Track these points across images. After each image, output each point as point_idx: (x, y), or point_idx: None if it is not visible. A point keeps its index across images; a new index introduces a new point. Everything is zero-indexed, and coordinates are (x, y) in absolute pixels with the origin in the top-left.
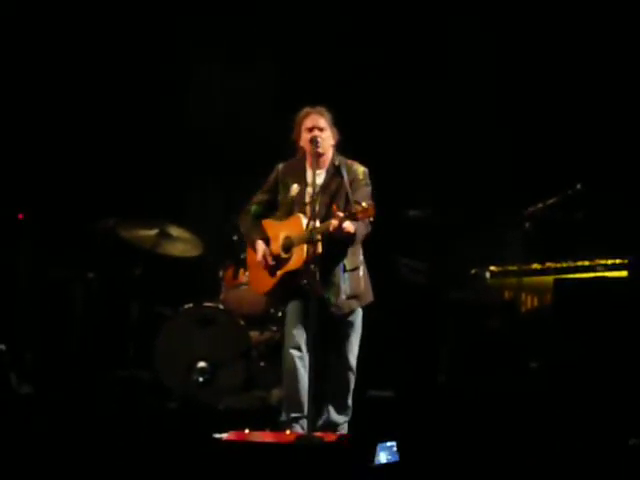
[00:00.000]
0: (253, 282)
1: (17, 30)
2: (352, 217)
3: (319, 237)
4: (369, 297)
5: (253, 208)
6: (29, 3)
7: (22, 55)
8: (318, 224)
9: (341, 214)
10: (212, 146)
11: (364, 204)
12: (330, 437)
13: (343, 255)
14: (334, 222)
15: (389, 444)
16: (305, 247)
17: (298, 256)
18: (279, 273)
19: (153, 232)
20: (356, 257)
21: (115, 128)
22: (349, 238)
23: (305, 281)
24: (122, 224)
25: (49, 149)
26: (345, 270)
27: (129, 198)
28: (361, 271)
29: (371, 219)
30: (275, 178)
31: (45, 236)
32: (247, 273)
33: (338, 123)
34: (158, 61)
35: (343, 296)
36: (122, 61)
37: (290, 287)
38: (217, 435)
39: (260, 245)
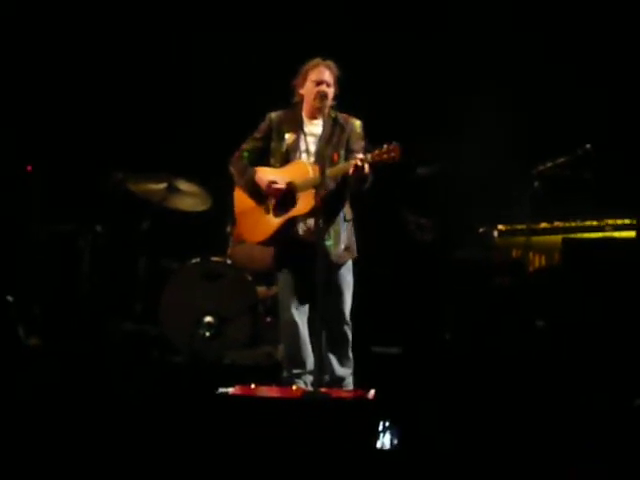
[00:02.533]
0: (246, 231)
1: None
2: (379, 157)
3: (330, 182)
4: (355, 251)
5: (245, 154)
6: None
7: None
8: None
9: (361, 155)
10: (222, 101)
11: (386, 146)
12: (337, 393)
13: (344, 203)
14: (356, 162)
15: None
16: (313, 192)
17: (306, 201)
18: (282, 218)
19: (162, 186)
20: (350, 208)
21: (126, 81)
22: (364, 181)
23: (301, 229)
24: (131, 177)
25: (59, 101)
26: (345, 220)
27: (138, 151)
28: (351, 224)
29: (396, 160)
30: (268, 125)
31: (53, 188)
32: None
33: (345, 78)
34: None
35: (342, 246)
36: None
37: (287, 238)
38: (223, 389)
39: (264, 175)
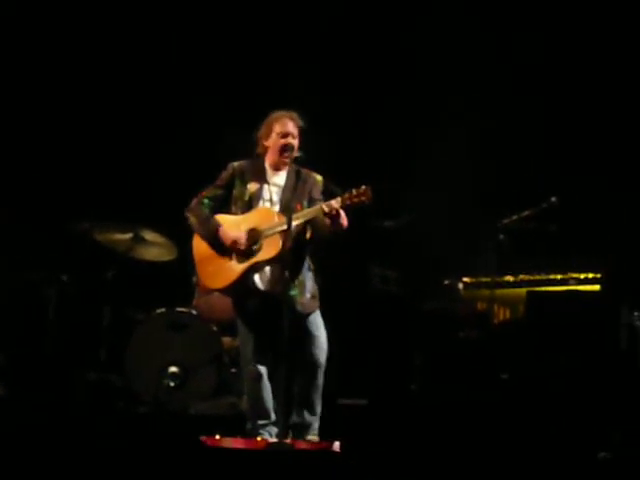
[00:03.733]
0: (207, 278)
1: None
2: (350, 200)
3: (300, 222)
4: (318, 301)
5: (205, 201)
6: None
7: None
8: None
9: (337, 199)
10: (185, 149)
11: (355, 189)
12: (302, 445)
13: (307, 252)
14: (326, 205)
15: None
16: (279, 238)
17: (270, 247)
18: (245, 264)
19: (127, 236)
20: (312, 258)
21: (91, 130)
22: (340, 227)
23: (259, 279)
24: (97, 227)
25: (25, 148)
26: (309, 269)
27: (104, 201)
28: (314, 274)
29: (367, 202)
30: (231, 175)
31: (19, 237)
32: None
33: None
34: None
35: (308, 295)
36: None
37: (244, 288)
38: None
39: (227, 230)
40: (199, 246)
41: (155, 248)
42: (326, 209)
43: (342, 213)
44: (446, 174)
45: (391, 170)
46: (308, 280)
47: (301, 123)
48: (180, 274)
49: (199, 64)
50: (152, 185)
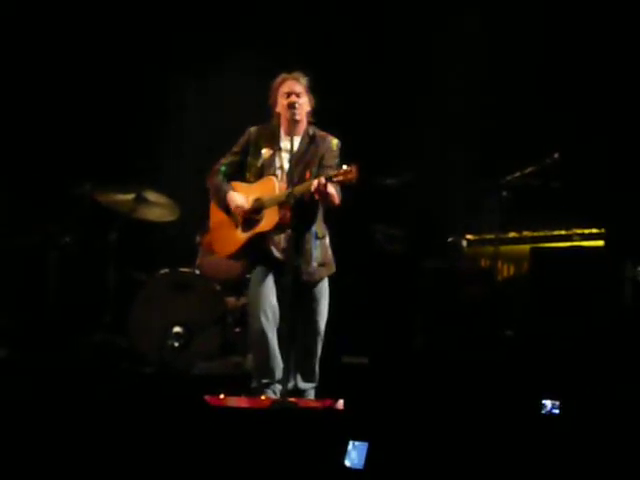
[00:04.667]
0: (216, 244)
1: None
2: (335, 178)
3: (292, 200)
4: (333, 267)
5: (222, 169)
6: None
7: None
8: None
9: (325, 175)
10: (190, 109)
11: (345, 166)
12: (306, 403)
13: (314, 221)
14: (316, 182)
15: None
16: (277, 209)
17: (270, 218)
18: (248, 234)
19: (130, 196)
20: (324, 225)
21: (95, 91)
22: (331, 203)
23: (274, 247)
24: (99, 188)
25: (28, 110)
26: (317, 237)
27: (106, 161)
28: (327, 240)
29: (354, 181)
30: (247, 140)
31: (21, 199)
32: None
33: (314, 88)
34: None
35: (314, 263)
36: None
37: (256, 251)
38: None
39: (234, 195)
40: (214, 214)
41: (158, 208)
42: (313, 187)
43: (331, 190)
44: (449, 130)
45: (393, 127)
46: (315, 248)
47: (306, 82)
48: (183, 234)
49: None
50: (154, 145)
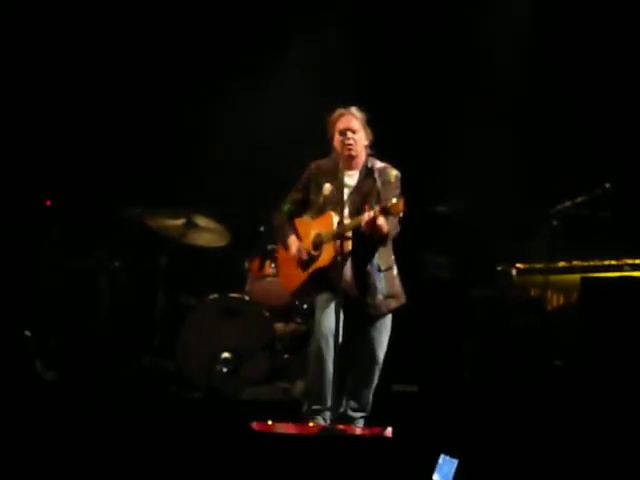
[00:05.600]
0: (283, 278)
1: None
2: (383, 211)
3: (349, 234)
4: (403, 297)
5: (286, 207)
6: None
7: (58, 38)
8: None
9: (374, 209)
10: (241, 136)
11: (394, 199)
12: (354, 430)
13: (373, 254)
14: (366, 216)
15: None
16: (334, 244)
17: (327, 253)
18: (308, 270)
19: (180, 222)
20: (389, 257)
21: (144, 116)
22: (381, 235)
23: (335, 279)
24: (149, 213)
25: (78, 136)
26: (380, 270)
27: (156, 186)
28: (394, 271)
29: (401, 214)
30: (308, 177)
31: (72, 223)
32: (273, 265)
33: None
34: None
35: (380, 296)
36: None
37: (320, 283)
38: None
39: (293, 240)
40: (281, 250)
41: (208, 234)
42: (363, 220)
43: (380, 222)
44: (500, 159)
45: (444, 154)
46: (379, 281)
47: (362, 117)
48: (232, 260)
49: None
50: (205, 170)
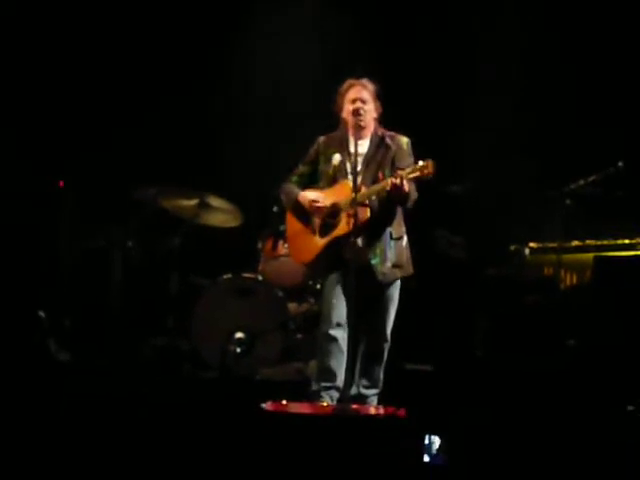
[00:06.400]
0: (294, 252)
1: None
2: (413, 174)
3: (366, 201)
4: (410, 268)
5: (294, 179)
6: None
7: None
8: (363, 189)
9: (401, 171)
10: (253, 117)
11: (421, 162)
12: (368, 410)
13: (390, 221)
14: (392, 180)
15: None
16: (351, 211)
17: (345, 221)
18: (327, 239)
19: (193, 202)
20: (400, 226)
21: (157, 97)
22: (405, 198)
23: (347, 253)
24: (162, 193)
25: (90, 116)
26: (392, 238)
27: (170, 167)
28: (404, 241)
29: (430, 176)
30: (316, 150)
31: (85, 204)
32: (286, 245)
33: (382, 94)
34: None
35: (389, 264)
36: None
37: (333, 256)
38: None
39: (307, 192)
40: (290, 223)
41: (221, 214)
42: (389, 185)
43: (407, 187)
44: (513, 138)
45: (457, 133)
46: (389, 249)
47: (373, 88)
48: (245, 240)
49: None
50: (217, 150)
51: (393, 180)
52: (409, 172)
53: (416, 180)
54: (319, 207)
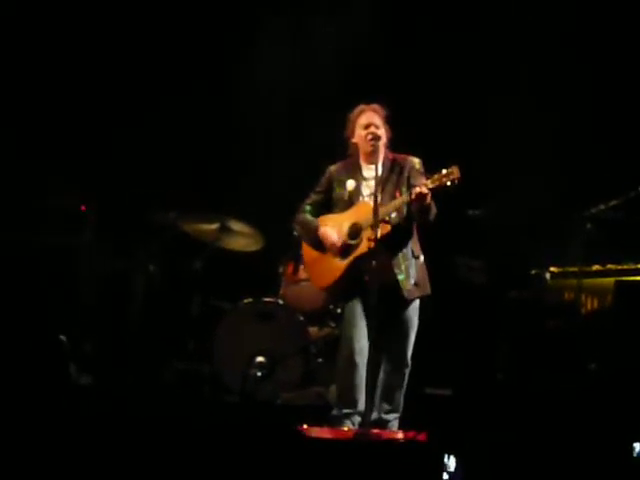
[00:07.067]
0: (315, 278)
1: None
2: (440, 182)
3: (387, 219)
4: (427, 288)
5: (307, 208)
6: None
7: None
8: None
9: (426, 181)
10: (275, 142)
11: (445, 170)
12: (389, 434)
13: (410, 237)
14: (417, 189)
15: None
16: (372, 230)
17: (367, 240)
18: (348, 260)
19: (214, 226)
20: (417, 245)
21: (180, 122)
22: (427, 209)
23: (367, 276)
24: (183, 217)
25: (113, 142)
26: (413, 256)
27: (191, 190)
28: (421, 260)
29: (456, 182)
30: (328, 178)
31: (107, 228)
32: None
33: (395, 119)
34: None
35: (412, 280)
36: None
37: (355, 279)
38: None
39: (327, 231)
40: (307, 250)
41: (242, 238)
42: (413, 195)
43: (429, 197)
44: (535, 162)
45: (478, 158)
46: (412, 267)
47: (385, 113)
48: (266, 264)
49: None
50: (239, 175)
51: (417, 190)
52: (435, 179)
53: (443, 187)
54: (338, 247)
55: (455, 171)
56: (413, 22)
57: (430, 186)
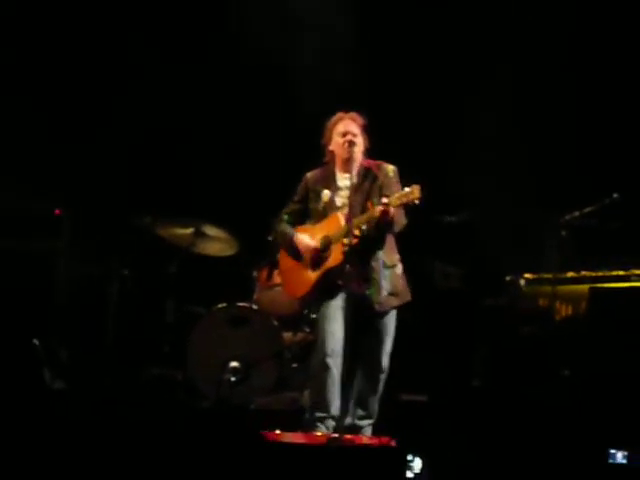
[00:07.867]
0: (288, 287)
1: None
2: (399, 200)
3: (357, 231)
4: (407, 296)
5: (285, 217)
6: None
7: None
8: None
9: (387, 199)
10: (250, 145)
11: (407, 188)
12: (362, 440)
13: (380, 249)
14: (380, 207)
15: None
16: (342, 243)
17: (337, 253)
18: (318, 272)
19: (189, 231)
20: (393, 254)
21: (153, 124)
22: (390, 225)
23: (341, 282)
24: (158, 222)
25: (87, 145)
26: (385, 266)
27: (165, 195)
28: (399, 269)
29: (417, 201)
30: (305, 187)
31: (82, 232)
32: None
33: (373, 126)
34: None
35: (384, 292)
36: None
37: (327, 288)
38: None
39: (301, 237)
40: (283, 259)
41: (216, 243)
42: (377, 212)
43: (391, 213)
44: (509, 169)
45: (453, 164)
46: (384, 278)
47: (362, 121)
48: (241, 269)
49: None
50: (214, 179)
51: (379, 208)
52: (396, 198)
53: (404, 206)
54: (312, 251)
55: (416, 191)
56: (390, 28)
57: (390, 205)
